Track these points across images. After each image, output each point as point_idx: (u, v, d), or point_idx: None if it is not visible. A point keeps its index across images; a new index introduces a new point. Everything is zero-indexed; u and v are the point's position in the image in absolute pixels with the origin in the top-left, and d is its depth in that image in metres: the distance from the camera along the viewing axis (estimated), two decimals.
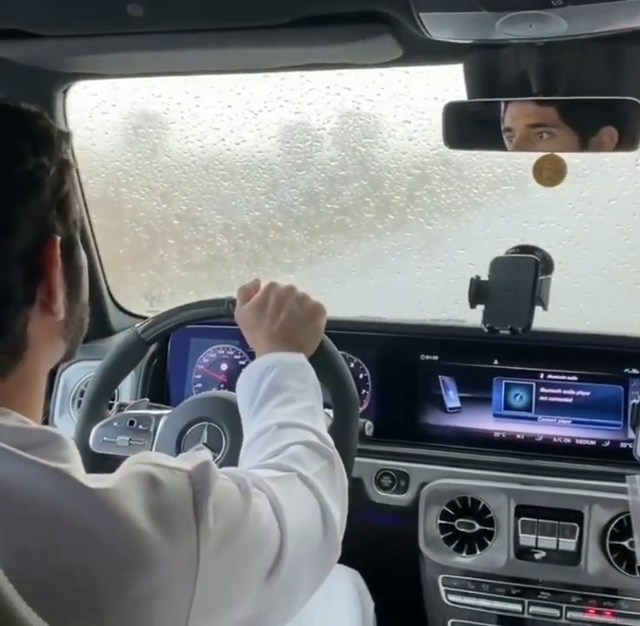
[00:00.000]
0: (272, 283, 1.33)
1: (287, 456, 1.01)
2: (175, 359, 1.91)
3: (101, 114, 2.16)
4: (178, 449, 1.36)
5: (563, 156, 1.33)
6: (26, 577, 0.63)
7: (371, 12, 1.19)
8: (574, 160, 1.37)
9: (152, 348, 1.63)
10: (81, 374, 1.89)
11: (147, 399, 1.56)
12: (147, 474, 0.74)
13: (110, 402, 1.52)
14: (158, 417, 1.42)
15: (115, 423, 1.42)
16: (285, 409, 1.13)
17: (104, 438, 1.41)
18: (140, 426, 1.41)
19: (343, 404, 1.33)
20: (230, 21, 1.26)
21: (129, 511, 0.69)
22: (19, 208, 0.77)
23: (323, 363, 1.30)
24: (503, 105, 1.33)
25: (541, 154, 1.35)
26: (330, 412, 1.31)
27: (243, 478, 0.85)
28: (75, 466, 0.71)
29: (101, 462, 1.39)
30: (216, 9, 1.23)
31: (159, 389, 1.87)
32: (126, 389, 1.78)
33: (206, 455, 0.82)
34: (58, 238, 0.80)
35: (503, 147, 1.39)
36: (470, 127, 1.38)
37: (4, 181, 0.76)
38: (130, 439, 1.40)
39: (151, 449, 1.38)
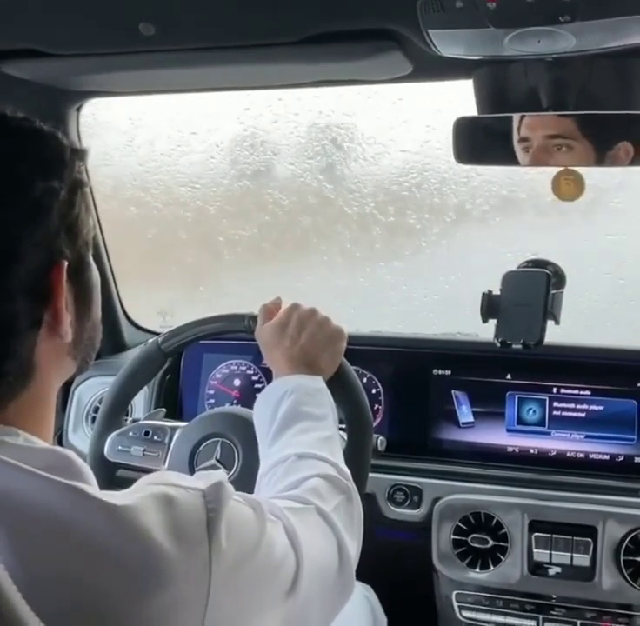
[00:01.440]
0: (295, 304, 1.33)
1: (306, 489, 1.01)
2: (187, 374, 1.92)
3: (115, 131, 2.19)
4: (191, 463, 1.36)
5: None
6: (40, 593, 0.64)
7: (381, 30, 1.20)
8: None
9: (168, 361, 1.62)
10: (94, 390, 1.89)
11: (164, 409, 1.57)
12: (163, 494, 0.74)
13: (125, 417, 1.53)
14: (173, 429, 1.42)
15: (130, 433, 1.43)
16: (304, 438, 1.12)
17: (119, 447, 1.41)
18: (155, 437, 1.42)
19: (357, 430, 1.32)
20: (242, 39, 1.27)
21: (144, 527, 0.70)
22: (25, 237, 0.76)
23: (340, 387, 1.30)
24: (517, 117, 1.33)
25: (557, 168, 1.35)
26: (344, 434, 1.31)
27: (259, 502, 0.85)
28: (88, 483, 0.72)
29: (114, 471, 1.41)
30: (228, 28, 1.24)
31: (172, 405, 1.87)
32: (139, 404, 1.79)
33: (221, 475, 0.82)
34: (65, 263, 0.79)
35: (515, 162, 1.39)
36: (480, 142, 1.38)
37: (11, 210, 0.75)
38: (145, 450, 1.40)
39: (165, 461, 1.38)
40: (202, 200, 2.44)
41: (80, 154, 0.86)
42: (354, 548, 1.00)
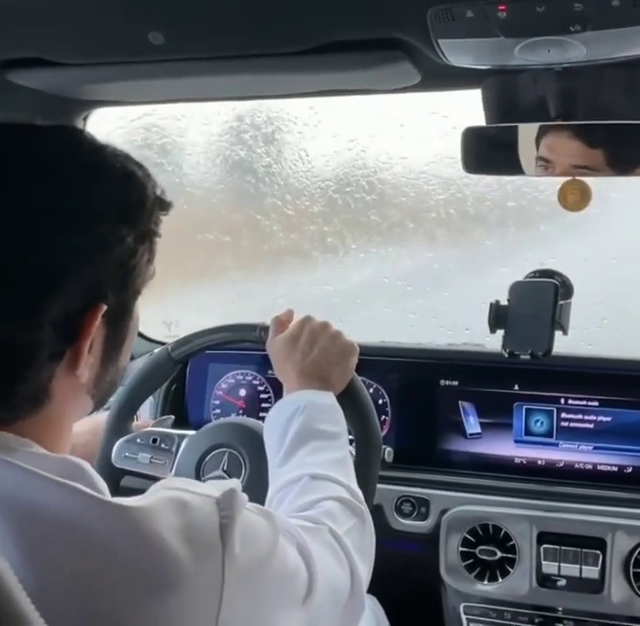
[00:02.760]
0: (307, 317, 1.33)
1: (319, 511, 1.01)
2: (193, 384, 1.91)
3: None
4: (197, 473, 1.36)
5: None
6: (51, 597, 0.64)
7: (390, 39, 1.20)
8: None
9: (177, 369, 1.62)
10: None
11: (172, 416, 1.56)
12: (176, 497, 0.75)
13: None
14: (181, 437, 1.42)
15: (138, 440, 1.42)
16: (316, 459, 1.12)
17: (126, 454, 1.41)
18: (162, 445, 1.41)
19: (366, 447, 1.31)
20: (251, 48, 1.27)
21: (159, 531, 0.70)
22: (75, 271, 0.75)
23: (350, 403, 1.29)
24: (534, 133, 1.33)
25: (564, 179, 1.35)
26: (352, 449, 1.30)
27: (272, 514, 0.86)
28: (100, 490, 0.72)
29: (120, 477, 1.41)
30: (237, 37, 1.24)
31: (178, 415, 1.87)
32: (145, 414, 1.78)
33: (233, 483, 0.82)
34: (104, 308, 0.78)
35: (521, 171, 1.39)
36: (488, 152, 1.38)
37: (70, 240, 0.74)
38: (152, 457, 1.40)
39: (171, 470, 1.38)
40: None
41: (163, 205, 0.86)
42: (365, 571, 1.00)
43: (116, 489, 1.37)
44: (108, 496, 0.71)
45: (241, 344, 1.49)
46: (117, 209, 0.79)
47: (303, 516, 0.99)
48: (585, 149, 1.29)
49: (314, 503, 1.02)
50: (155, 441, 1.42)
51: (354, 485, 1.11)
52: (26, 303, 0.73)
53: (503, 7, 1.03)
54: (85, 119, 1.77)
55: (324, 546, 0.95)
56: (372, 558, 1.06)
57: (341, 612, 0.95)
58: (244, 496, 0.81)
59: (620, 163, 1.30)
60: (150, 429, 1.46)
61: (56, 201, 0.75)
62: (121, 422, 1.44)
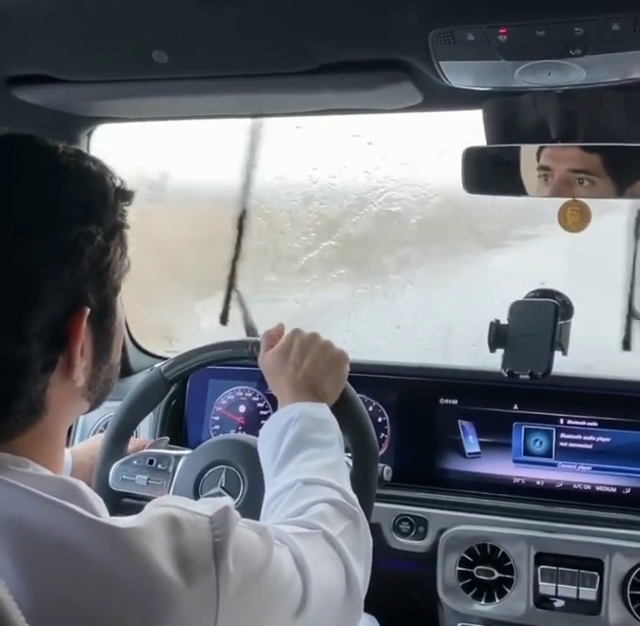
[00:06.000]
0: (296, 330, 1.33)
1: (312, 515, 1.00)
2: (193, 400, 1.91)
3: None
4: (196, 491, 1.36)
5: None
6: (45, 618, 0.64)
7: (392, 60, 1.21)
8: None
9: (171, 389, 1.62)
10: (99, 415, 1.88)
11: (167, 438, 1.56)
12: (170, 516, 0.75)
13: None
14: (178, 458, 1.42)
15: (134, 462, 1.42)
16: (309, 465, 1.12)
17: (123, 476, 1.41)
18: (159, 466, 1.41)
19: (362, 456, 1.31)
20: (254, 67, 1.28)
21: (152, 554, 0.70)
22: (51, 281, 0.74)
23: (344, 412, 1.29)
24: (536, 146, 1.34)
25: (564, 199, 1.36)
26: (350, 461, 1.30)
27: (265, 528, 0.86)
28: (96, 510, 0.72)
29: (119, 500, 1.40)
30: (241, 56, 1.25)
31: (177, 431, 1.87)
32: (144, 430, 1.78)
33: (227, 501, 0.82)
34: (88, 310, 0.78)
35: (523, 192, 1.40)
36: (489, 172, 1.39)
37: (40, 252, 0.73)
38: (149, 478, 1.40)
39: (169, 490, 1.38)
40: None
41: (126, 195, 0.84)
42: (362, 572, 1.00)
43: (116, 512, 1.36)
44: (103, 516, 0.71)
45: (242, 360, 1.49)
46: (81, 209, 0.78)
47: (296, 521, 0.99)
48: (582, 153, 1.30)
49: (307, 508, 1.02)
50: (151, 462, 1.42)
51: (347, 488, 1.11)
52: (8, 321, 0.72)
53: (503, 30, 1.04)
54: (89, 135, 1.78)
55: (319, 551, 0.95)
56: (369, 559, 1.06)
57: (338, 613, 0.95)
58: (237, 514, 0.81)
59: (619, 178, 1.31)
60: (145, 450, 1.46)
61: (18, 212, 0.74)
62: (116, 446, 1.44)
